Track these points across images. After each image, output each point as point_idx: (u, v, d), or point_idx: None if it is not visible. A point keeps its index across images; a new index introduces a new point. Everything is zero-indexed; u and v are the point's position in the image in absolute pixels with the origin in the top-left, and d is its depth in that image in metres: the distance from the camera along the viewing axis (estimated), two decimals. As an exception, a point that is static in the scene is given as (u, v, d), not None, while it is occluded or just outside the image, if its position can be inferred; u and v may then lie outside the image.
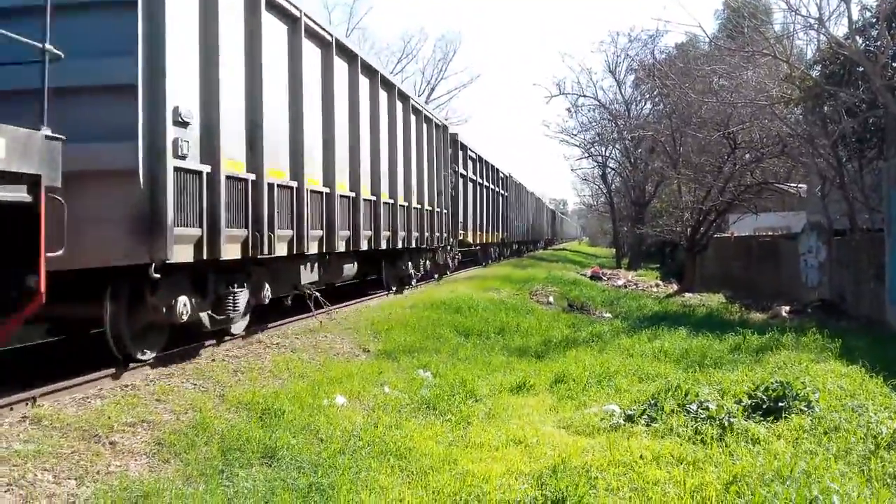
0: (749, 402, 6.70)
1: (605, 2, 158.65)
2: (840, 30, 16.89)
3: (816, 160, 17.45)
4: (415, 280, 17.45)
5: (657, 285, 26.54)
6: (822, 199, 17.82)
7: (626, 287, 24.72)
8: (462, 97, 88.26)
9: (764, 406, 6.55)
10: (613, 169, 45.38)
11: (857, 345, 10.46)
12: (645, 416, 6.50)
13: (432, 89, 55.15)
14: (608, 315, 15.68)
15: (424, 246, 16.96)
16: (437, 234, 17.88)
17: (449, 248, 20.40)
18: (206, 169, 7.38)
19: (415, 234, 15.64)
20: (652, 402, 6.84)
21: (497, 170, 29.95)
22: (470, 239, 24.15)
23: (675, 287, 25.31)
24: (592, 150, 44.65)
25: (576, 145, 44.99)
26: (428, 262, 18.58)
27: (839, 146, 16.20)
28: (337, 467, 5.06)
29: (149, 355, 7.36)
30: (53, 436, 5.15)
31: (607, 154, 44.46)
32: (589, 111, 42.49)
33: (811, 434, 5.89)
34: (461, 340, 10.94)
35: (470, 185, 24.16)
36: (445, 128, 19.69)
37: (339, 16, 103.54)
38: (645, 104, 41.02)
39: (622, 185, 44.31)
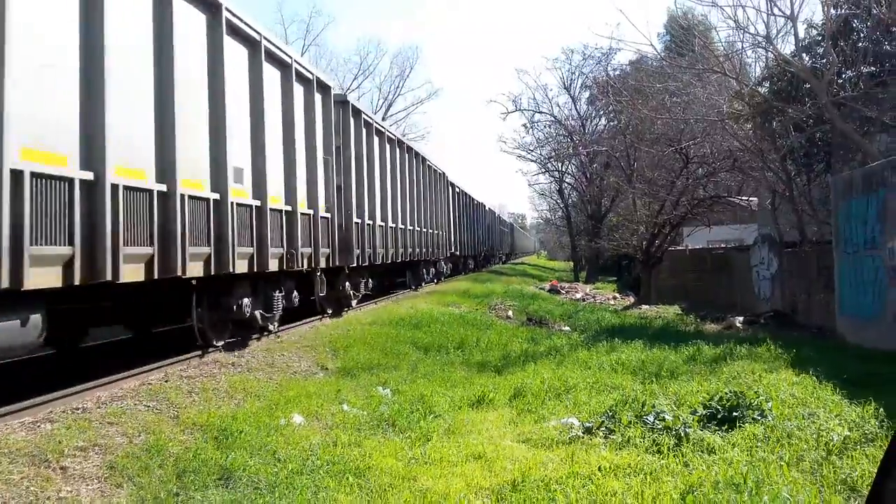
0: (704, 412, 6.77)
1: (559, 19, 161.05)
2: (787, 47, 17.41)
3: (766, 174, 17.88)
4: (424, 282, 23.63)
5: (614, 298, 26.81)
6: (772, 212, 18.24)
7: (584, 300, 24.91)
8: (420, 112, 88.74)
9: (719, 416, 6.63)
10: (570, 184, 45.90)
11: (809, 354, 10.65)
12: (603, 428, 6.54)
13: (389, 105, 55.29)
14: (567, 328, 15.78)
15: (429, 258, 23.71)
16: (437, 250, 24.63)
17: (444, 259, 27.13)
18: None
19: (427, 249, 22.63)
20: (610, 414, 6.89)
21: (470, 196, 36.09)
22: (456, 252, 30.33)
23: (631, 299, 25.63)
24: (549, 165, 45.23)
25: (532, 161, 45.56)
26: (433, 269, 25.23)
27: (788, 160, 16.62)
28: (295, 487, 5.00)
29: None
30: (2, 461, 4.99)
31: (564, 169, 45.00)
32: (545, 127, 43.08)
33: (765, 442, 5.97)
34: (421, 356, 10.90)
35: (455, 212, 30.19)
36: (445, 176, 27.29)
37: (296, 32, 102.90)
38: (600, 120, 41.71)
39: (579, 200, 44.86)
